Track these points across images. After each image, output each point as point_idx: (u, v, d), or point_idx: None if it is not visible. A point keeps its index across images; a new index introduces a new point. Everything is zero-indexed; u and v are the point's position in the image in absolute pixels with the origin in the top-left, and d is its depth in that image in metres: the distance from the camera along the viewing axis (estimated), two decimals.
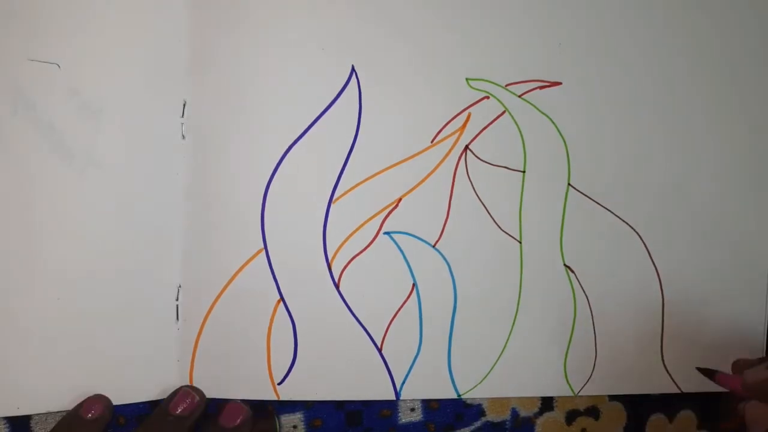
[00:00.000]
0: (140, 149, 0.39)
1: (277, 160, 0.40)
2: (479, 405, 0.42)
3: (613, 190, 0.42)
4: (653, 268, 0.42)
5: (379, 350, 0.41)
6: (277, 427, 0.41)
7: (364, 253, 0.41)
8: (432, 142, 0.41)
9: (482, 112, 0.41)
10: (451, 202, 0.41)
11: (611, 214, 0.42)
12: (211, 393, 0.39)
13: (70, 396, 0.38)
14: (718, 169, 0.43)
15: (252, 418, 0.39)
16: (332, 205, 0.40)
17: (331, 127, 0.40)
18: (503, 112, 0.41)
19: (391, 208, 0.41)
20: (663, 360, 0.43)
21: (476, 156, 0.41)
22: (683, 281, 0.43)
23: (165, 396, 0.39)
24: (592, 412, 0.43)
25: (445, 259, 0.41)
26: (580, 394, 0.42)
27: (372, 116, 0.40)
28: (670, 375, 0.43)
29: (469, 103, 0.41)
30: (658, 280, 0.42)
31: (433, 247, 0.41)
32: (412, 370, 0.41)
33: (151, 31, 0.39)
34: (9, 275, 0.38)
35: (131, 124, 0.39)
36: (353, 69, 0.40)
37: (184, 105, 0.39)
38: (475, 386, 0.42)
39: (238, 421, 0.38)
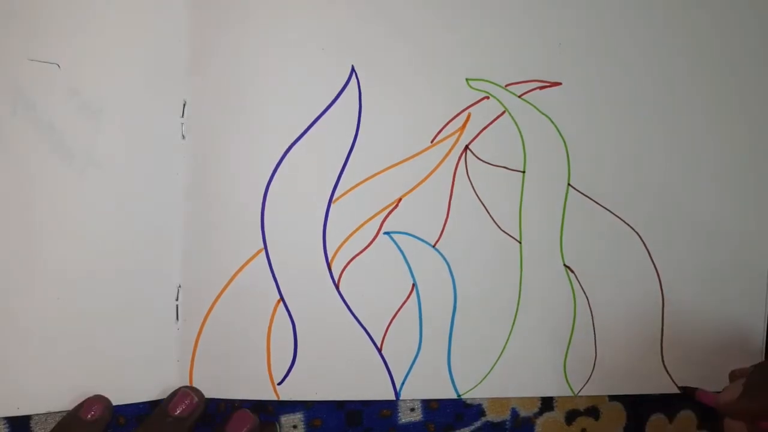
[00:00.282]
0: (140, 149, 0.39)
1: (277, 160, 0.40)
2: (479, 405, 0.42)
3: (613, 190, 0.42)
4: (653, 268, 0.42)
5: (379, 350, 0.41)
6: None
7: (364, 253, 0.41)
8: (432, 142, 0.41)
9: (482, 112, 0.41)
10: (451, 202, 0.41)
11: (611, 214, 0.42)
12: (210, 393, 0.39)
13: (70, 396, 0.38)
14: (718, 169, 0.43)
15: (260, 425, 0.39)
16: (332, 205, 0.40)
17: (331, 127, 0.40)
18: (503, 112, 0.41)
19: (391, 208, 0.41)
20: (663, 360, 0.43)
21: (476, 156, 0.41)
22: (683, 281, 0.43)
23: (165, 396, 0.39)
24: (592, 412, 0.43)
25: (444, 259, 0.41)
26: (579, 394, 0.42)
27: (372, 116, 0.40)
28: (669, 375, 0.43)
29: (469, 103, 0.41)
30: (657, 280, 0.42)
31: (433, 247, 0.41)
32: (412, 370, 0.41)
33: (151, 31, 0.39)
34: (9, 275, 0.38)
35: (131, 124, 0.39)
36: (353, 69, 0.40)
37: (184, 105, 0.39)
38: (475, 386, 0.42)
39: (245, 430, 0.38)
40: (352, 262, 0.41)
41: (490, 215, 0.41)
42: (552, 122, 0.42)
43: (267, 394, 0.40)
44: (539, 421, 0.43)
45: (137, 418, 0.40)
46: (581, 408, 0.43)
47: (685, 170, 0.43)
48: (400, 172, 0.41)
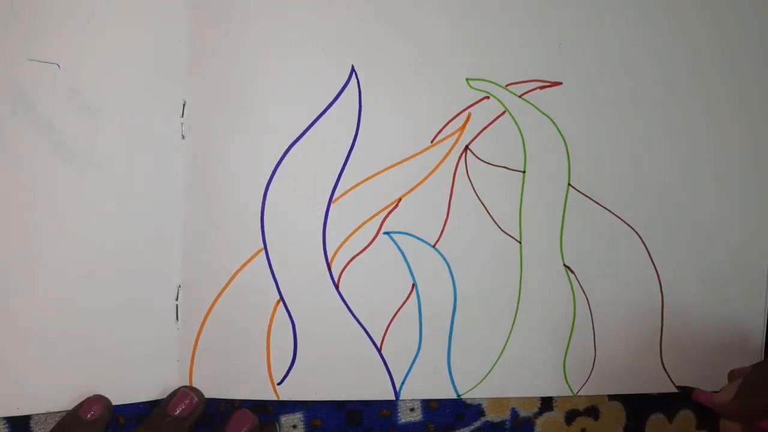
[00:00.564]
0: (140, 149, 0.39)
1: (277, 160, 0.40)
2: (479, 405, 0.42)
3: (613, 190, 0.42)
4: (653, 268, 0.42)
5: (379, 350, 0.41)
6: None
7: (363, 253, 0.41)
8: (432, 142, 0.41)
9: (482, 112, 0.41)
10: (451, 202, 0.41)
11: (611, 214, 0.42)
12: (210, 393, 0.39)
13: (70, 396, 0.38)
14: (718, 169, 0.43)
15: (259, 425, 0.39)
16: (332, 205, 0.40)
17: (331, 127, 0.40)
18: (503, 112, 0.41)
19: (391, 208, 0.41)
20: (662, 360, 0.43)
21: (476, 156, 0.41)
22: (683, 281, 0.43)
23: (165, 396, 0.39)
24: (592, 412, 0.43)
25: (444, 259, 0.41)
26: (579, 393, 0.42)
27: (372, 116, 0.40)
28: (668, 375, 0.43)
29: (469, 103, 0.41)
30: (657, 280, 0.42)
31: (433, 247, 0.41)
32: (412, 370, 0.41)
33: (151, 31, 0.39)
34: (9, 275, 0.38)
35: (131, 124, 0.39)
36: (353, 69, 0.40)
37: (184, 105, 0.39)
38: (475, 386, 0.42)
39: (244, 430, 0.38)
40: (351, 262, 0.41)
41: (490, 215, 0.41)
42: (552, 122, 0.42)
43: (267, 394, 0.40)
44: (539, 421, 0.43)
45: (137, 418, 0.40)
46: (581, 408, 0.43)
47: (685, 170, 0.43)
48: (400, 172, 0.41)
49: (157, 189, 0.39)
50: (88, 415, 0.37)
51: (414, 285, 0.41)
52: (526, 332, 0.42)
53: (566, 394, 0.43)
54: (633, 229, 0.42)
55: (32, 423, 0.39)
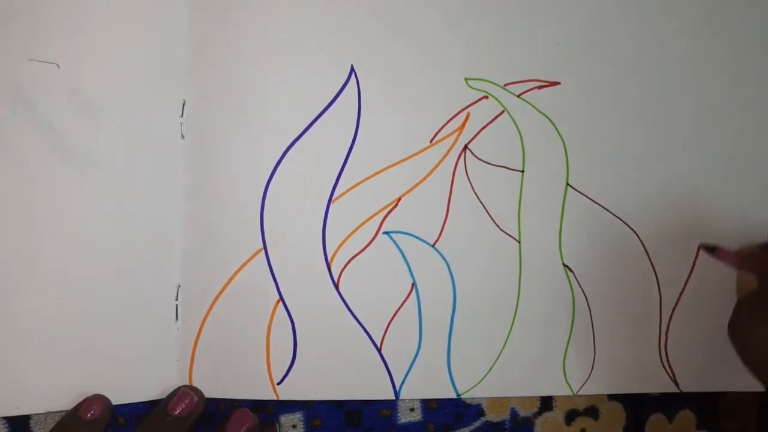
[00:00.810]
0: (140, 149, 0.39)
1: (277, 160, 0.40)
2: (478, 405, 0.42)
3: (611, 189, 0.42)
4: (651, 266, 0.42)
5: (379, 350, 0.41)
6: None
7: (363, 252, 0.41)
8: (431, 141, 0.41)
9: (481, 111, 0.41)
10: (451, 201, 0.41)
11: (610, 213, 0.42)
12: (210, 393, 0.39)
13: (70, 396, 0.38)
14: (717, 168, 0.43)
15: (259, 425, 0.39)
16: (331, 205, 0.40)
17: (331, 126, 0.40)
18: (502, 112, 0.42)
19: (390, 207, 0.41)
20: (661, 358, 0.43)
21: (475, 156, 0.41)
22: (682, 280, 0.43)
23: (165, 396, 0.39)
24: (592, 412, 0.43)
25: (444, 258, 0.41)
26: (579, 393, 0.42)
27: (371, 116, 0.41)
28: (668, 374, 0.43)
29: (468, 103, 0.41)
30: (655, 278, 0.42)
31: (433, 246, 0.41)
32: (412, 370, 0.41)
33: (151, 31, 0.39)
34: (9, 275, 0.38)
35: (131, 124, 0.39)
36: (352, 69, 0.40)
37: (184, 105, 0.39)
38: (475, 386, 0.42)
39: (244, 429, 0.38)
40: (351, 262, 0.41)
41: (490, 215, 0.41)
42: (551, 122, 0.42)
43: (266, 394, 0.40)
44: (539, 420, 0.43)
45: (137, 418, 0.40)
46: (581, 408, 0.43)
47: (684, 169, 0.43)
48: (399, 171, 0.41)
49: (157, 189, 0.39)
50: (88, 415, 0.37)
51: (414, 285, 0.41)
52: (526, 331, 0.42)
53: (566, 394, 0.42)
54: (631, 228, 0.42)
55: (32, 423, 0.39)
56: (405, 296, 0.41)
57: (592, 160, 0.42)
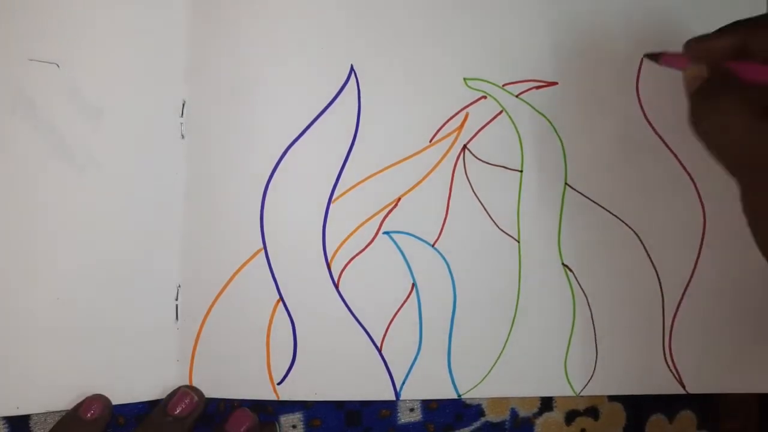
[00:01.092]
0: (140, 149, 0.39)
1: (277, 160, 0.40)
2: (478, 405, 0.42)
3: (609, 189, 0.42)
4: (651, 266, 0.42)
5: (379, 350, 0.41)
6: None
7: (363, 252, 0.41)
8: (430, 141, 0.41)
9: (480, 111, 0.41)
10: (450, 201, 0.41)
11: (608, 213, 0.42)
12: (210, 393, 0.39)
13: (70, 396, 0.38)
14: (717, 167, 0.43)
15: (259, 425, 0.39)
16: (331, 205, 0.40)
17: (330, 126, 0.40)
18: (500, 112, 0.42)
19: (390, 207, 0.41)
20: (665, 359, 0.42)
21: (474, 156, 0.41)
22: (682, 280, 0.43)
23: (164, 396, 0.39)
24: (592, 412, 0.43)
25: (444, 258, 0.41)
26: (581, 394, 0.42)
27: (371, 116, 0.41)
28: (671, 375, 0.42)
29: (467, 103, 0.41)
30: (657, 278, 0.42)
31: (433, 246, 0.41)
32: (412, 370, 0.41)
33: (151, 31, 0.39)
34: (9, 275, 0.38)
35: (131, 124, 0.39)
36: (352, 69, 0.40)
37: (184, 105, 0.39)
38: (475, 386, 0.42)
39: (244, 428, 0.38)
40: (351, 262, 0.41)
41: (489, 214, 0.41)
42: (549, 122, 0.42)
43: (266, 394, 0.40)
44: (539, 421, 0.43)
45: (137, 418, 0.40)
46: (581, 408, 0.43)
47: (683, 169, 0.43)
48: (399, 171, 0.41)
49: (157, 189, 0.39)
50: (88, 415, 0.37)
51: (414, 284, 0.41)
52: (526, 331, 0.42)
53: (568, 394, 0.42)
54: (630, 227, 0.42)
55: (32, 423, 0.39)
56: (405, 296, 0.41)
57: (589, 160, 0.42)
